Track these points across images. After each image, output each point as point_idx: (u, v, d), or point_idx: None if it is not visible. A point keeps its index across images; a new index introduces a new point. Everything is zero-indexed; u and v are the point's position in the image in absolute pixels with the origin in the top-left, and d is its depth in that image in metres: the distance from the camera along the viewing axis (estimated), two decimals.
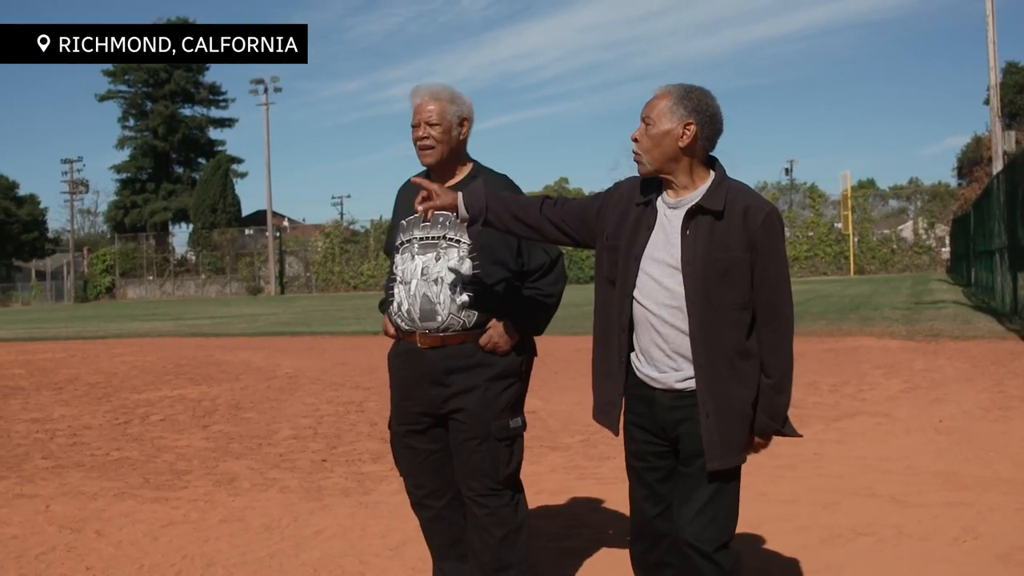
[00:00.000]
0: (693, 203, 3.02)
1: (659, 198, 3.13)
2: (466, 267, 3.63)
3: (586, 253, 54.77)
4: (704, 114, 3.03)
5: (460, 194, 3.32)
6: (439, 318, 3.62)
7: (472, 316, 3.62)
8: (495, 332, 3.62)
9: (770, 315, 3.02)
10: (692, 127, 3.01)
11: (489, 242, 3.60)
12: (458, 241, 3.65)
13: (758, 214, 2.99)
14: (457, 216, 3.33)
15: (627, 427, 3.24)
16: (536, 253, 3.67)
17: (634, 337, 3.15)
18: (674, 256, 3.02)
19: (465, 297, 3.61)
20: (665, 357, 3.06)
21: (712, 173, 3.09)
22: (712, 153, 3.11)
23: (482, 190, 3.35)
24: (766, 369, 3.04)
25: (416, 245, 3.71)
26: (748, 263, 2.98)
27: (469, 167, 3.80)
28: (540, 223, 3.32)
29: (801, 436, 3.27)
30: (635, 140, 3.11)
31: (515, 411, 3.69)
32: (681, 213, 3.04)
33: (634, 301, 3.10)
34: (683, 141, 3.01)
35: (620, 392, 3.21)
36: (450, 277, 3.63)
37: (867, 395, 9.32)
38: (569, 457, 6.93)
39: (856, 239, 52.28)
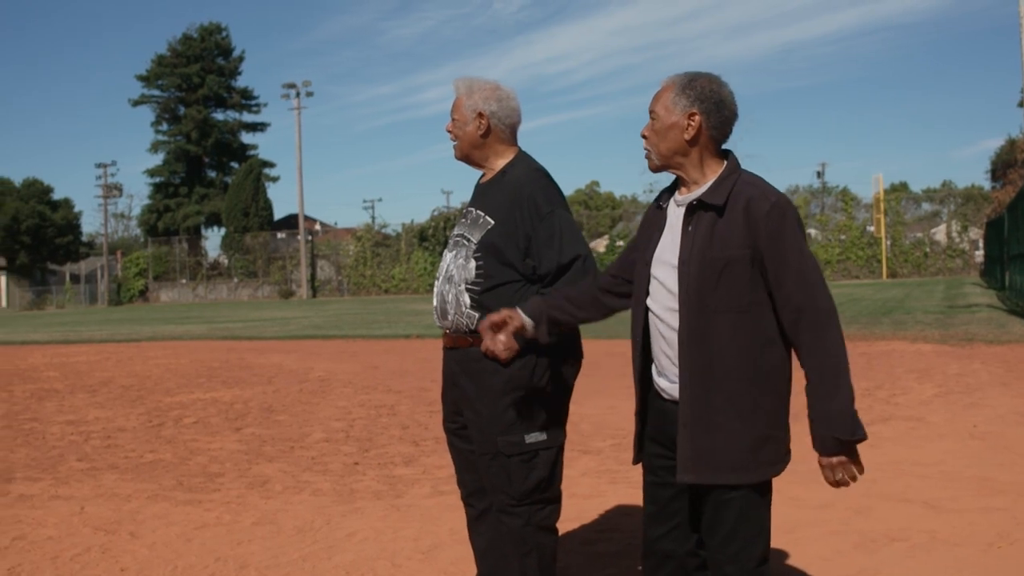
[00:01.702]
0: (694, 199, 2.82)
1: (672, 197, 2.96)
2: (471, 267, 3.51)
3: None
4: (709, 102, 2.81)
5: (517, 308, 3.24)
6: (449, 318, 3.56)
7: (474, 318, 3.49)
8: (489, 338, 3.42)
9: (797, 313, 2.71)
10: (696, 117, 2.80)
11: (495, 241, 3.47)
12: (468, 240, 3.56)
13: (762, 204, 2.73)
14: (526, 330, 3.23)
15: (646, 441, 3.04)
16: (546, 256, 3.42)
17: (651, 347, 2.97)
18: (676, 256, 2.83)
19: (467, 298, 3.51)
20: (672, 365, 2.86)
21: (724, 165, 2.86)
22: (727, 147, 2.90)
23: (537, 297, 3.29)
24: (807, 374, 2.73)
25: (451, 241, 3.68)
26: (748, 260, 2.72)
27: (508, 159, 3.66)
28: (597, 296, 3.22)
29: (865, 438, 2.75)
30: (644, 137, 2.91)
31: (530, 425, 3.47)
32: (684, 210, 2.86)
33: (648, 309, 2.94)
34: (688, 133, 2.81)
35: (639, 413, 3.05)
36: (456, 277, 3.54)
37: (900, 399, 9.25)
38: (601, 461, 6.92)
39: (889, 242, 51.81)
